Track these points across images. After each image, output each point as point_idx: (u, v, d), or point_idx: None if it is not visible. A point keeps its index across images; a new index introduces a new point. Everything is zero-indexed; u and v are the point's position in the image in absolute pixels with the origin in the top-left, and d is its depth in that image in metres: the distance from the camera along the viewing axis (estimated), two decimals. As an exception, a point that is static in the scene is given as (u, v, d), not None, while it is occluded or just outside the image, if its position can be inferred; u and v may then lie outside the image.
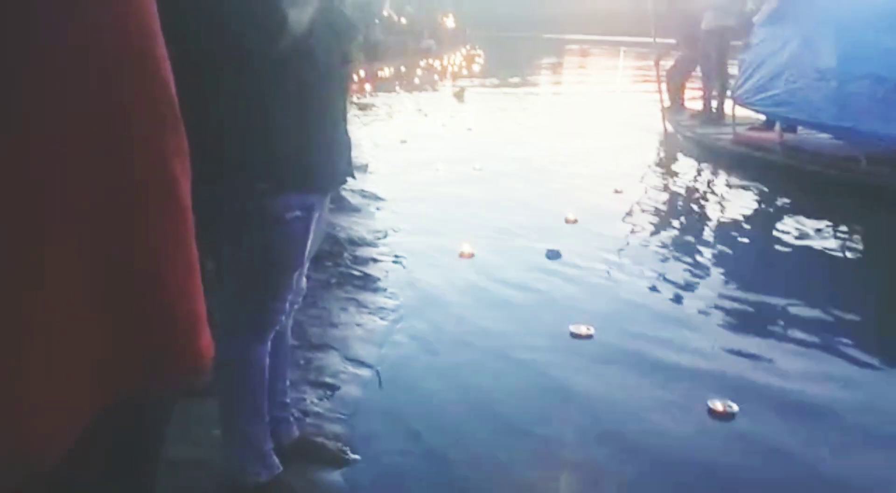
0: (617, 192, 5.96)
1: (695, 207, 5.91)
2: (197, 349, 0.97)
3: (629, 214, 5.44)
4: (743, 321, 3.48)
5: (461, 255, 4.27)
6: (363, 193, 5.63)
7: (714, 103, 8.50)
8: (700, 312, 3.57)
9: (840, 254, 4.63)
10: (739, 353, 3.09)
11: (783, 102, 6.14)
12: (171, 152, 0.97)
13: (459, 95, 13.11)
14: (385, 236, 4.60)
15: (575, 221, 4.99)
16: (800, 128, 6.61)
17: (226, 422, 1.97)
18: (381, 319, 3.37)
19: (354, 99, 12.18)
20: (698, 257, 4.46)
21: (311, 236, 1.83)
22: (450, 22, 25.22)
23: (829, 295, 3.74)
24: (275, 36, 1.54)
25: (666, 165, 7.42)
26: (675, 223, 5.32)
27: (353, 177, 1.95)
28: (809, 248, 4.69)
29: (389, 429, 2.47)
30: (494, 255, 4.31)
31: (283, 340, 2.09)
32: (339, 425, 2.49)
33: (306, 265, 2.02)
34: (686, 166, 7.31)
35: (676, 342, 3.16)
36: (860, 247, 4.81)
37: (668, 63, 9.54)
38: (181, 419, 2.25)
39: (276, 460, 2.04)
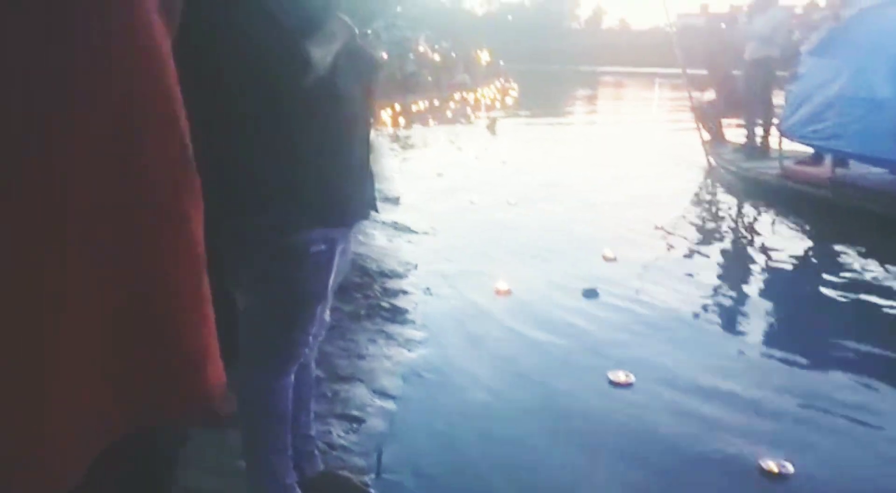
0: (657, 228, 5.76)
1: (739, 246, 5.63)
2: (205, 382, 0.98)
3: (669, 252, 5.27)
4: (790, 373, 3.27)
5: (497, 292, 4.18)
6: (395, 225, 5.68)
7: (759, 136, 8.24)
8: (745, 360, 3.38)
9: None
10: (789, 406, 2.92)
11: (834, 134, 5.82)
12: (183, 191, 0.99)
13: (492, 127, 13.20)
14: (416, 268, 4.61)
15: (613, 259, 4.82)
16: (852, 162, 6.29)
17: (249, 454, 1.98)
18: (409, 351, 3.37)
19: (389, 132, 12.36)
20: (742, 301, 4.27)
21: (334, 269, 1.85)
22: (484, 56, 25.51)
23: (880, 348, 3.51)
24: (298, 75, 1.58)
25: (708, 201, 7.14)
26: (718, 263, 5.08)
27: (377, 210, 1.97)
28: (862, 295, 4.32)
29: (411, 468, 2.45)
30: (529, 292, 4.20)
31: (307, 372, 2.10)
32: (364, 458, 2.49)
33: (330, 298, 2.04)
34: (730, 202, 7.03)
35: (721, 393, 2.99)
36: None
37: (701, 95, 9.42)
38: (206, 449, 2.30)
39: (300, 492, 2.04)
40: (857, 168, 6.30)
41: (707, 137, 8.84)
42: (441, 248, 5.18)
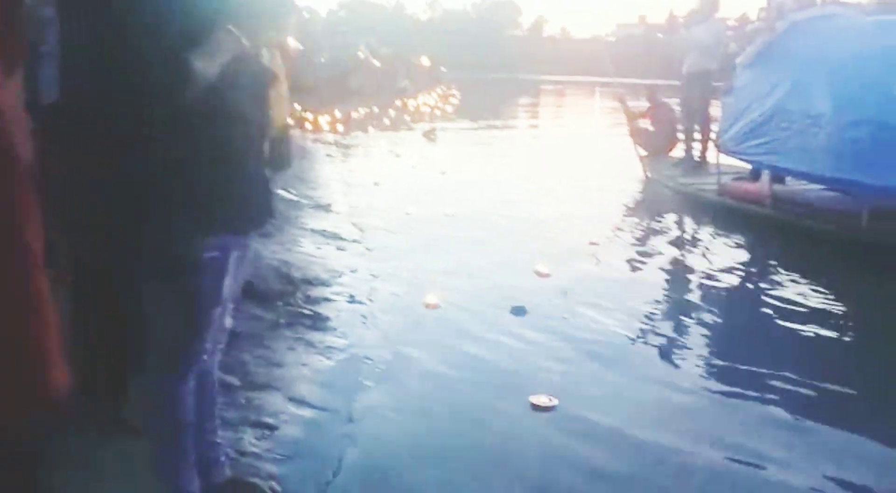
0: (592, 244, 5.64)
1: (676, 264, 5.41)
2: (45, 382, 1.02)
3: (603, 269, 5.10)
4: (720, 397, 3.16)
5: (426, 305, 4.12)
6: (324, 233, 5.70)
7: (697, 150, 8.21)
8: (675, 384, 3.25)
9: (833, 322, 4.14)
10: (718, 433, 2.82)
11: (772, 150, 5.64)
12: (15, 209, 1.03)
13: (430, 135, 13.28)
14: (341, 276, 4.64)
15: (547, 275, 4.73)
16: (788, 178, 6.15)
17: (152, 459, 2.00)
18: (328, 359, 3.40)
19: (327, 138, 12.34)
20: (677, 322, 4.14)
21: (228, 276, 1.88)
22: (424, 62, 25.65)
23: (814, 369, 3.44)
24: (180, 87, 1.61)
25: (646, 216, 6.97)
26: (653, 281, 4.94)
27: (273, 218, 2.02)
28: (799, 313, 4.24)
29: (325, 471, 2.49)
30: (458, 307, 4.14)
31: (210, 379, 2.13)
32: (276, 465, 2.51)
33: (230, 305, 2.07)
34: (668, 218, 6.84)
35: (648, 418, 2.90)
36: (856, 314, 4.31)
37: (634, 110, 9.43)
38: (117, 457, 2.29)
39: (203, 499, 2.06)
40: (793, 184, 6.21)
41: (643, 152, 8.84)
42: (372, 257, 5.19)
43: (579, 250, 5.48)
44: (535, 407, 2.97)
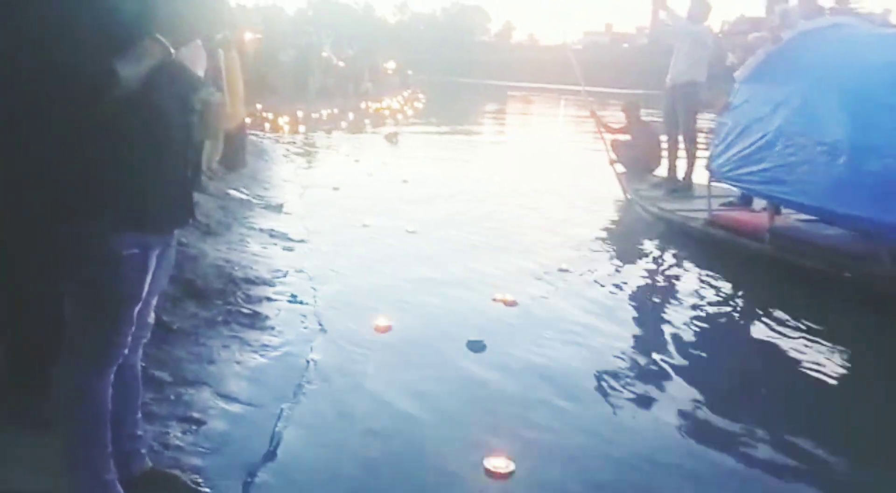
0: (562, 270, 5.17)
1: (656, 299, 4.88)
2: None
3: (571, 301, 4.58)
4: (706, 463, 2.81)
5: (376, 328, 3.85)
6: (271, 233, 5.75)
7: (681, 170, 7.46)
8: (654, 447, 2.86)
9: (842, 380, 3.70)
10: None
11: (775, 179, 4.90)
12: None
13: (392, 139, 13.37)
14: (285, 276, 4.71)
15: (513, 304, 4.37)
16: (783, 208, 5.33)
17: (66, 451, 2.06)
18: (262, 357, 3.47)
19: (286, 139, 12.35)
20: (657, 369, 3.65)
21: (149, 273, 1.97)
22: (391, 64, 25.75)
23: (810, 429, 3.10)
24: (104, 90, 1.70)
25: (623, 243, 6.40)
26: (628, 319, 4.42)
27: (194, 218, 2.11)
28: (800, 367, 3.77)
29: (247, 464, 2.57)
30: (410, 335, 3.85)
31: (132, 372, 2.19)
32: (199, 458, 2.58)
33: (153, 301, 2.15)
34: (648, 246, 6.22)
35: (621, 487, 2.61)
36: (869, 373, 3.84)
37: (603, 113, 9.09)
38: (31, 449, 2.34)
39: (121, 490, 2.12)
40: (796, 217, 5.39)
41: (622, 169, 8.17)
42: (319, 261, 5.20)
43: (546, 277, 5.03)
44: (491, 474, 2.59)
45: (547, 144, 15.50)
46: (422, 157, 11.52)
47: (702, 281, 5.22)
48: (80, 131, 1.76)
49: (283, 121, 13.84)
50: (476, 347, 3.73)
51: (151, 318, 2.21)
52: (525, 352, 3.72)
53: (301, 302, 4.26)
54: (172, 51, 1.86)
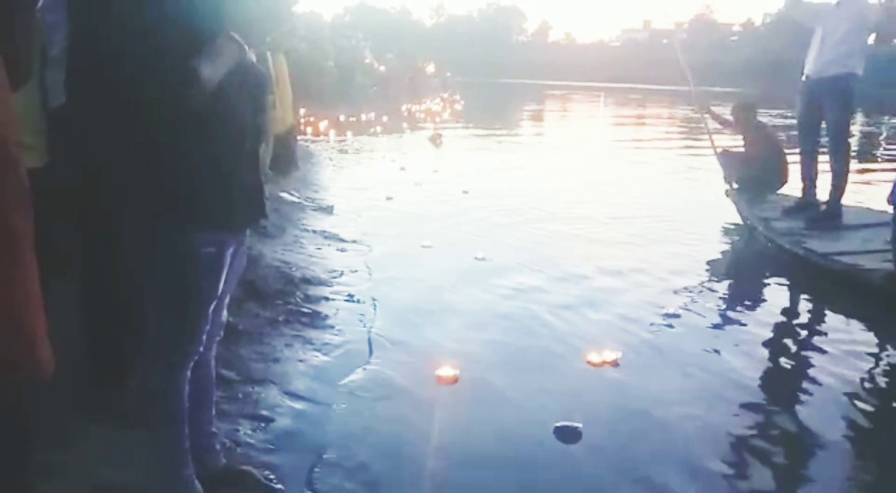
0: (667, 317, 4.16)
1: (799, 381, 3.50)
2: (36, 360, 1.12)
3: (682, 364, 3.54)
4: None
5: (439, 379, 3.23)
6: (324, 234, 5.79)
7: (820, 191, 5.74)
8: None
9: None
10: None
11: None
12: (13, 211, 1.14)
13: (436, 141, 13.38)
14: (341, 276, 4.73)
15: (613, 364, 3.46)
16: None
17: (147, 446, 2.09)
18: (325, 355, 3.49)
19: (330, 143, 12.47)
20: (796, 472, 2.75)
21: (224, 271, 1.97)
22: (429, 68, 25.81)
23: None
24: (185, 92, 1.71)
25: (746, 285, 5.10)
26: (760, 405, 3.22)
27: (266, 217, 2.11)
28: None
29: (316, 462, 2.58)
30: (479, 390, 3.19)
31: (207, 370, 2.21)
32: (269, 455, 2.60)
33: (226, 300, 2.16)
34: (779, 297, 4.79)
35: None
36: None
37: (718, 127, 7.27)
38: (115, 446, 2.38)
39: (199, 485, 2.14)
40: None
41: (734, 184, 6.37)
42: (372, 259, 5.26)
43: (649, 328, 4.01)
44: None
45: (606, 147, 14.40)
46: (470, 162, 10.87)
47: (876, 359, 3.76)
48: (164, 132, 1.78)
49: (326, 125, 13.96)
50: (568, 436, 2.78)
51: (224, 316, 2.23)
52: (629, 441, 2.79)
53: (358, 301, 4.28)
54: (246, 49, 1.87)
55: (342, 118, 15.41)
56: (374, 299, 4.31)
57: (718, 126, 7.33)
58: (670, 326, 4.08)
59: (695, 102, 6.95)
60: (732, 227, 6.52)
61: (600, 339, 3.77)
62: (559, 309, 4.27)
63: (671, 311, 4.27)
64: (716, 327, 4.15)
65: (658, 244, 5.98)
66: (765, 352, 3.84)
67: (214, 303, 2.01)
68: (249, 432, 2.72)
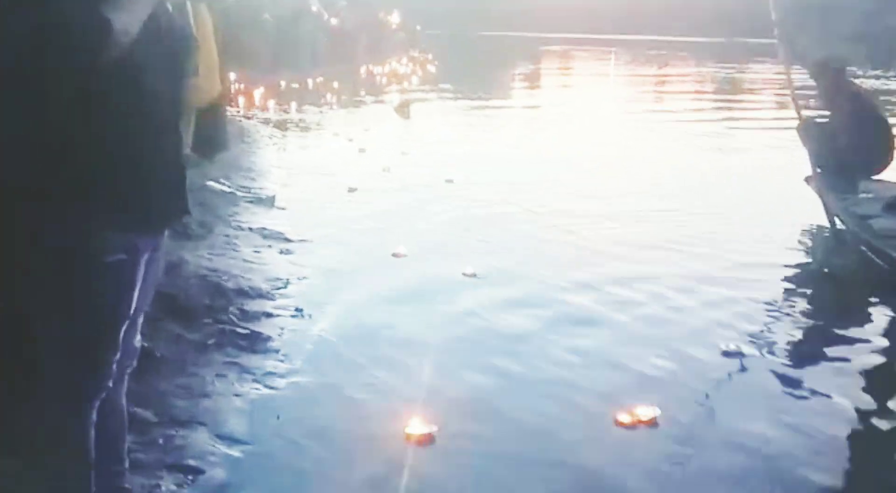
0: (726, 355, 4.00)
1: None
2: None
3: (747, 415, 3.43)
4: None
5: (408, 437, 3.13)
6: (264, 232, 5.78)
7: None
8: None
9: None
10: None
11: None
12: None
13: (403, 111, 13.40)
14: (285, 286, 4.73)
15: (651, 424, 3.28)
16: None
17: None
18: (267, 387, 3.49)
19: (268, 117, 12.42)
20: None
21: (137, 284, 1.96)
22: (394, 19, 25.79)
23: None
24: (95, 48, 1.68)
25: (832, 317, 4.76)
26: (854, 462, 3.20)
27: (189, 213, 2.10)
28: None
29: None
30: (464, 454, 3.09)
31: (116, 410, 2.20)
32: (199, 517, 2.60)
33: (140, 321, 2.15)
34: (884, 326, 4.58)
35: None
36: None
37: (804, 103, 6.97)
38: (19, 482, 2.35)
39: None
40: None
41: (817, 168, 6.13)
42: (322, 263, 5.25)
43: (697, 370, 3.85)
44: None
45: (624, 119, 14.08)
46: (450, 140, 10.82)
47: None
48: (55, 102, 1.75)
49: (263, 93, 13.89)
50: None
51: (137, 341, 2.22)
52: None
53: (309, 317, 4.28)
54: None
55: (283, 84, 15.36)
56: (326, 317, 4.32)
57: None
58: (729, 370, 3.91)
59: (782, 60, 6.57)
60: (814, 227, 6.28)
61: (632, 388, 3.62)
62: (574, 345, 4.07)
63: (730, 348, 4.05)
64: (792, 372, 3.91)
65: (708, 252, 5.74)
66: (861, 414, 3.53)
67: (125, 325, 1.99)
68: (173, 487, 2.72)
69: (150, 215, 1.96)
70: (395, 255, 5.42)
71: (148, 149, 1.89)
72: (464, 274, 5.07)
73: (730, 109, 15.67)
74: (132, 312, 2.00)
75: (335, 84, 16.27)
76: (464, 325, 4.36)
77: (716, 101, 17.54)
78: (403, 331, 4.21)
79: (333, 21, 21.04)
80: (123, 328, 2.00)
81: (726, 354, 4.01)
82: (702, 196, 7.59)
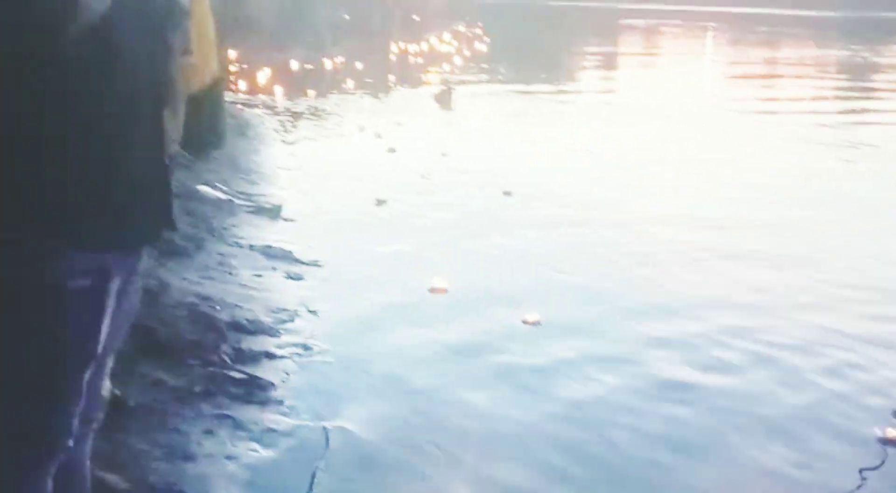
0: (887, 440, 3.89)
1: None
2: None
3: None
4: None
5: None
6: (267, 251, 5.81)
7: None
8: None
9: None
10: None
11: None
12: None
13: (444, 99, 13.44)
14: (292, 320, 4.74)
15: None
16: None
17: None
18: (267, 448, 3.49)
19: (278, 106, 12.51)
20: None
21: (106, 316, 1.96)
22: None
23: None
24: (62, 22, 1.69)
25: None
26: None
27: (174, 228, 2.10)
28: None
29: None
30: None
31: (77, 475, 2.20)
32: None
33: (109, 363, 2.15)
34: None
35: None
36: None
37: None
38: None
39: None
40: None
41: None
42: (338, 290, 5.28)
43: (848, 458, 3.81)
44: None
45: (728, 116, 13.92)
46: (503, 138, 10.79)
47: None
48: (11, 91, 1.76)
49: (269, 76, 14.00)
50: None
51: (106, 388, 2.21)
52: None
53: (319, 359, 4.29)
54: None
55: (295, 65, 15.48)
56: (342, 363, 4.31)
57: None
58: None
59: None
60: None
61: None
62: (667, 431, 3.95)
63: (890, 434, 3.92)
64: None
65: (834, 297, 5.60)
66: None
67: (91, 368, 1.99)
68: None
69: (124, 231, 1.94)
70: (433, 290, 5.36)
71: (121, 147, 1.88)
72: (524, 322, 4.95)
73: (862, 105, 15.46)
74: (100, 352, 2.00)
75: (359, 65, 16.37)
76: (525, 395, 4.22)
77: (842, 93, 17.34)
78: (442, 397, 4.12)
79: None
80: (88, 372, 1.99)
81: (883, 442, 3.88)
82: (826, 219, 7.42)
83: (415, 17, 23.12)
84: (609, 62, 24.07)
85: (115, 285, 1.97)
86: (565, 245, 6.57)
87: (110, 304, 1.97)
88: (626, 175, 8.85)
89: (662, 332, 4.96)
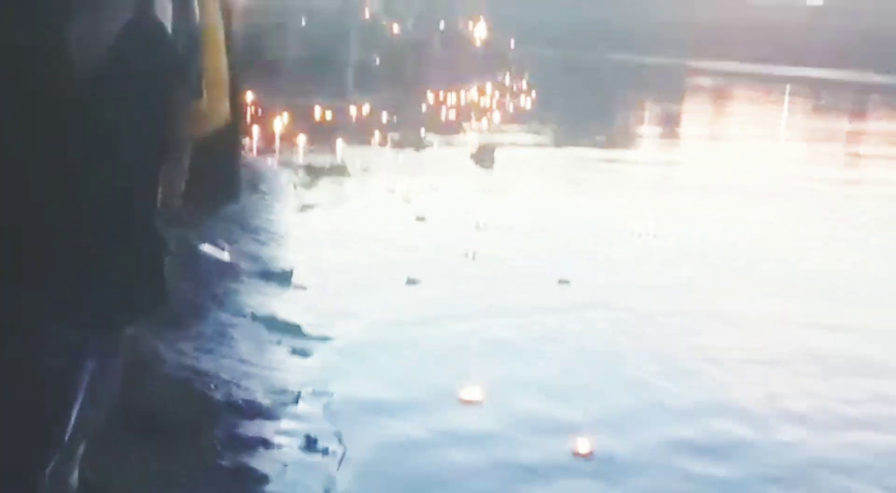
0: None
1: None
2: None
3: None
4: None
5: None
6: (273, 323, 5.82)
7: None
8: None
9: None
10: None
11: None
12: None
13: (483, 158, 13.46)
14: (295, 403, 4.73)
15: None
16: None
17: None
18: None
19: (296, 160, 12.60)
20: None
21: (78, 398, 1.94)
22: (480, 30, 26.22)
23: None
24: (48, 65, 1.71)
25: None
26: None
27: (165, 303, 2.09)
28: None
29: None
30: None
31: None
32: None
33: (79, 450, 2.13)
34: None
35: None
36: None
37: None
38: None
39: None
40: None
41: None
42: (351, 368, 5.28)
43: None
44: None
45: (803, 194, 13.49)
46: (552, 208, 10.77)
47: None
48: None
49: (288, 122, 14.06)
50: None
51: (74, 479, 2.20)
52: None
53: (324, 451, 4.26)
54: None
55: (317, 112, 15.60)
56: (350, 461, 4.29)
57: None
58: None
59: None
60: None
61: None
62: None
63: None
64: None
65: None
66: None
67: (55, 457, 1.98)
68: None
69: (105, 307, 1.94)
70: (463, 401, 5.08)
71: (106, 210, 1.88)
72: (575, 454, 4.58)
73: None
74: (66, 440, 1.99)
75: (388, 115, 16.47)
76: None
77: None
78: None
79: (394, 29, 21.49)
80: (51, 462, 1.98)
81: None
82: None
83: (453, 63, 23.24)
84: (672, 127, 24.02)
85: (87, 367, 1.96)
86: (638, 364, 5.83)
87: (81, 386, 1.96)
88: (696, 260, 8.59)
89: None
